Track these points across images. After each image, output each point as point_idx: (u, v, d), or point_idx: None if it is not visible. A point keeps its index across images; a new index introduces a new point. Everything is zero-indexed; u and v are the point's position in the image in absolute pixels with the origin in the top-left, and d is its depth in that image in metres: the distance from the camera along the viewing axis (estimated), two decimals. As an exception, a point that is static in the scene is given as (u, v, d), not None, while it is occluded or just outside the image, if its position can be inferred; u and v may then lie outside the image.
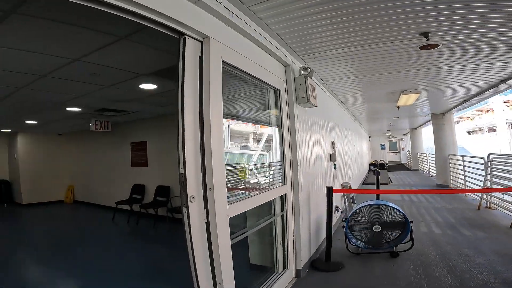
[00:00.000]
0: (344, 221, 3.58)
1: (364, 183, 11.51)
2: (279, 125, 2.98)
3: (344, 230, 3.56)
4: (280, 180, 2.91)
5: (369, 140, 20.64)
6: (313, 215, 3.60)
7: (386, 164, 19.57)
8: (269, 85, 2.83)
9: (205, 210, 1.72)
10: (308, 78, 3.19)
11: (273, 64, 2.87)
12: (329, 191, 3.36)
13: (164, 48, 2.67)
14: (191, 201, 1.59)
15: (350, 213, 3.65)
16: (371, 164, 17.79)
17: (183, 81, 1.66)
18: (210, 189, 1.69)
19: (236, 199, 2.04)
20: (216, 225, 1.72)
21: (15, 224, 6.74)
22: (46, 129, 8.06)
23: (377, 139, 23.23)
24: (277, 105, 3.02)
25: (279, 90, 3.01)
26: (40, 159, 8.95)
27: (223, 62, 1.96)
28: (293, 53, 3.18)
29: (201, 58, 1.83)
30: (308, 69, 3.20)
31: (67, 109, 5.18)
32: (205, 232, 1.73)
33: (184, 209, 1.59)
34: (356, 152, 10.16)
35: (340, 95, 5.74)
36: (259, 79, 2.60)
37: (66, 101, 4.58)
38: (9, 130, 7.96)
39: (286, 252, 2.96)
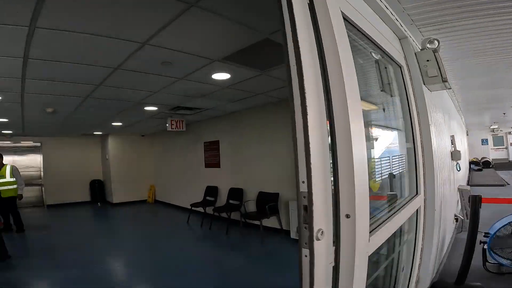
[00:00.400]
0: (485, 235, 2.94)
1: (469, 184, 9.32)
2: (406, 114, 2.08)
3: (485, 246, 2.92)
4: (410, 190, 2.01)
5: (467, 135, 17.24)
6: (441, 230, 2.68)
7: (492, 162, 16.02)
8: (392, 58, 1.97)
9: (334, 248, 1.00)
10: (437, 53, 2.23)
11: (387, 33, 2.01)
12: (477, 201, 2.38)
13: (240, 19, 2.08)
14: (318, 239, 0.88)
15: (497, 228, 2.90)
16: (471, 162, 14.77)
17: (296, 36, 0.97)
18: (347, 215, 0.96)
19: (376, 225, 1.27)
20: (354, 269, 0.99)
21: (110, 222, 7.24)
22: (130, 130, 8.56)
23: (477, 133, 19.35)
24: (400, 87, 2.13)
25: (401, 66, 2.12)
26: (126, 159, 9.59)
27: (343, 17, 1.23)
28: (409, 24, 2.28)
29: (311, 6, 1.11)
30: (436, 42, 2.24)
31: (145, 108, 5.14)
32: (330, 281, 1.01)
33: (306, 252, 0.89)
34: (459, 148, 8.22)
35: (459, 77, 4.39)
36: (381, 49, 1.78)
37: (142, 99, 4.46)
38: (101, 133, 8.74)
39: (409, 281, 2.12)
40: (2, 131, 7.24)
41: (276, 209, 5.17)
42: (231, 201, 6.13)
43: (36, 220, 7.00)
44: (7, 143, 8.54)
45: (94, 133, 8.62)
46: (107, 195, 9.77)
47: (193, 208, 6.49)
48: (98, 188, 9.75)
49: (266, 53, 2.92)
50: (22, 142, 8.79)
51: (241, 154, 6.14)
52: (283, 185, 5.25)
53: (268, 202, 5.15)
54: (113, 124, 6.86)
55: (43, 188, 9.07)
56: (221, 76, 3.55)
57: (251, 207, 5.69)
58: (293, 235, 4.83)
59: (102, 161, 10.06)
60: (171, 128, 6.13)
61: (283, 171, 5.25)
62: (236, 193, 6.06)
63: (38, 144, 9.03)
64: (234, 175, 6.30)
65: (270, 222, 5.32)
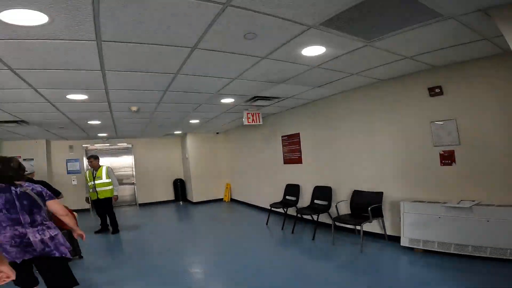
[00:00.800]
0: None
1: None
2: None
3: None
4: None
5: None
6: None
7: None
8: None
9: None
10: None
11: None
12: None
13: None
14: None
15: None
16: None
17: None
18: None
19: None
20: None
21: (192, 222, 7.29)
22: (206, 128, 8.57)
23: None
24: None
25: None
26: (204, 158, 9.71)
27: None
28: None
29: None
30: None
31: (221, 101, 4.79)
32: None
33: None
34: None
35: None
36: None
37: (219, 90, 4.07)
38: (180, 132, 9.00)
39: None
40: (98, 134, 7.98)
41: (379, 211, 4.20)
42: (316, 202, 5.36)
43: (130, 219, 7.49)
44: (104, 146, 9.53)
45: (175, 132, 8.91)
46: (188, 194, 10.06)
47: (272, 208, 5.96)
48: (180, 187, 10.12)
49: (384, 12, 2.14)
50: (118, 144, 9.67)
51: (328, 148, 5.31)
52: (387, 182, 4.25)
53: (367, 203, 4.21)
54: (191, 121, 6.83)
55: (135, 188, 9.86)
56: (314, 51, 2.85)
57: (343, 208, 4.82)
58: (405, 242, 3.80)
59: (183, 160, 10.44)
60: (248, 122, 5.69)
61: (386, 166, 4.25)
62: (323, 192, 5.27)
63: (130, 145, 9.83)
64: (319, 172, 5.52)
65: (369, 226, 4.39)
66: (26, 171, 2.49)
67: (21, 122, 5.19)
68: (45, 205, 2.23)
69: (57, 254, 2.10)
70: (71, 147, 9.04)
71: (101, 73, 2.95)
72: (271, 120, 6.81)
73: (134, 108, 4.63)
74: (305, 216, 5.36)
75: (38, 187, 2.24)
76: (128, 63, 2.75)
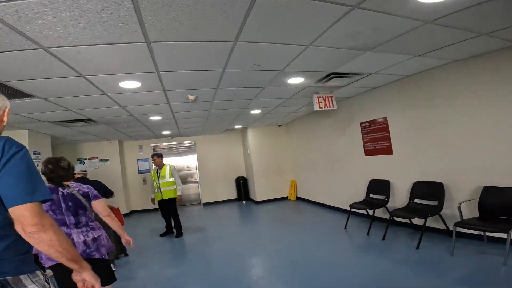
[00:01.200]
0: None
1: None
2: None
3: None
4: None
5: None
6: None
7: None
8: None
9: None
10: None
11: None
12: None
13: None
14: None
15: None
16: None
17: None
18: None
19: None
20: None
21: (257, 224, 6.69)
22: (268, 120, 7.88)
23: None
24: None
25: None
26: (266, 153, 9.04)
27: None
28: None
29: None
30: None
31: (288, 81, 3.96)
32: None
33: None
34: None
35: None
36: None
37: (287, 65, 3.26)
38: (241, 126, 8.49)
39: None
40: (163, 132, 7.97)
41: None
42: (418, 201, 4.14)
43: (194, 220, 7.23)
44: (170, 144, 9.64)
45: (235, 127, 8.44)
46: (251, 192, 9.54)
47: (352, 209, 4.91)
48: (243, 185, 9.67)
49: None
50: (182, 142, 9.69)
51: (432, 133, 4.06)
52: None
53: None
54: (252, 112, 6.18)
55: (199, 186, 9.75)
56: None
57: (465, 210, 3.53)
58: None
59: (244, 156, 9.98)
60: (319, 107, 4.76)
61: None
62: (429, 190, 4.04)
63: (193, 143, 9.76)
64: (420, 164, 4.29)
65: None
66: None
67: (89, 121, 5.22)
68: (90, 205, 2.18)
69: (97, 256, 2.05)
70: (140, 146, 9.34)
71: (146, 47, 2.41)
72: (346, 105, 5.71)
73: (191, 97, 4.15)
74: (397, 219, 4.20)
75: (86, 188, 2.19)
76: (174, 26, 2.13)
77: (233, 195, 9.88)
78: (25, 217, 0.95)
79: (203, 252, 4.45)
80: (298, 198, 8.76)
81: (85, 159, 8.56)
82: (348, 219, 5.11)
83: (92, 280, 1.18)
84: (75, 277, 1.17)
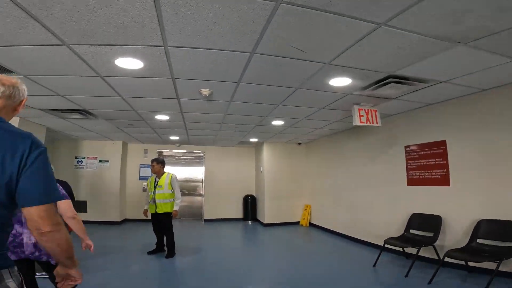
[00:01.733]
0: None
1: None
2: None
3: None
4: None
5: None
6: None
7: None
8: None
9: None
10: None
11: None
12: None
13: None
14: None
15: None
16: None
17: None
18: None
19: None
20: None
21: (266, 250, 5.67)
22: (289, 135, 7.03)
23: None
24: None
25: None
26: (281, 173, 8.16)
27: None
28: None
29: None
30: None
31: (329, 83, 3.13)
32: None
33: None
34: None
35: None
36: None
37: (335, 58, 2.44)
38: (256, 140, 7.64)
39: None
40: (171, 137, 7.21)
41: None
42: (483, 242, 3.14)
43: (192, 238, 6.23)
44: (177, 152, 8.85)
45: (251, 140, 7.59)
46: (259, 213, 8.58)
47: (386, 245, 3.92)
48: (251, 205, 8.72)
49: None
50: (191, 150, 8.91)
51: (509, 163, 3.09)
52: None
53: None
54: (273, 123, 5.34)
55: (203, 200, 8.86)
56: None
57: None
58: None
59: (256, 174, 9.08)
60: (360, 122, 3.87)
61: None
62: (499, 229, 3.03)
63: (202, 153, 8.97)
64: (490, 199, 3.29)
65: None
66: None
67: (85, 113, 4.49)
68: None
69: (44, 259, 1.91)
70: (145, 151, 8.60)
71: (153, 3, 1.64)
72: (387, 124, 4.78)
73: (205, 92, 3.35)
74: (448, 259, 3.23)
75: None
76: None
77: (239, 214, 8.95)
78: (42, 218, 0.97)
79: (192, 280, 3.48)
80: (311, 225, 7.80)
81: (84, 158, 7.85)
82: (379, 256, 4.11)
83: (77, 276, 1.16)
84: (60, 271, 1.14)
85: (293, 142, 8.06)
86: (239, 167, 9.11)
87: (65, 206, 2.02)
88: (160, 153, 8.67)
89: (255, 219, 8.66)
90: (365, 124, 3.90)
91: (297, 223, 8.12)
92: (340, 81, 3.09)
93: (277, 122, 5.29)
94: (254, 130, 6.07)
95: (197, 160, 9.21)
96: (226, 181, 8.89)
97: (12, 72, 2.74)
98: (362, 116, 3.89)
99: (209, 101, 3.83)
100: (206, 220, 8.58)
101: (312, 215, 7.83)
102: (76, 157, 7.81)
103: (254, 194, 8.94)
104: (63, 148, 7.69)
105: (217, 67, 2.73)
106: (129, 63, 2.56)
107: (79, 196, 7.28)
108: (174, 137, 7.20)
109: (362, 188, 5.59)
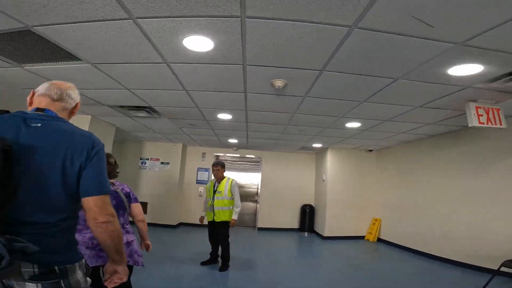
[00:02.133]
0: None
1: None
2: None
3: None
4: None
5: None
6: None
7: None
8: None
9: None
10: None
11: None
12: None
13: None
14: None
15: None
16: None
17: None
18: None
19: None
20: None
21: (326, 266, 4.88)
22: (359, 141, 6.17)
23: None
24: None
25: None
26: (347, 183, 7.31)
27: None
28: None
29: None
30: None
31: (449, 71, 2.33)
32: None
33: None
34: None
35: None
36: None
37: (475, 36, 1.69)
38: (320, 145, 6.90)
39: None
40: (229, 140, 6.91)
41: None
42: None
43: (245, 248, 5.72)
44: (234, 156, 8.58)
45: (314, 145, 6.89)
46: (317, 225, 7.80)
47: (502, 268, 2.90)
48: (308, 215, 7.98)
49: None
50: (247, 155, 8.57)
51: None
52: None
53: None
54: (347, 125, 4.59)
55: (257, 207, 8.38)
56: None
57: None
58: None
59: (316, 182, 8.31)
60: (479, 123, 2.96)
61: None
62: None
63: (259, 159, 8.55)
64: None
65: None
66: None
67: (150, 111, 4.38)
68: (129, 207, 2.12)
69: (130, 262, 1.87)
70: (203, 154, 8.51)
71: None
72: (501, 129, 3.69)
73: (279, 83, 2.83)
74: None
75: (127, 188, 2.17)
76: None
77: (294, 224, 8.29)
78: (99, 207, 1.04)
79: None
80: (379, 240, 6.84)
81: (147, 159, 8.05)
82: (489, 282, 3.16)
83: (123, 273, 1.19)
84: (109, 268, 1.18)
85: (361, 148, 7.13)
86: (297, 174, 8.48)
87: (138, 209, 2.16)
88: (217, 157, 8.49)
89: (312, 230, 7.93)
90: (484, 125, 2.96)
91: (362, 237, 7.22)
92: (467, 69, 2.27)
93: (352, 125, 4.53)
94: (322, 133, 5.38)
95: (253, 166, 8.81)
96: (283, 189, 8.34)
97: (79, 59, 2.58)
98: (481, 115, 2.95)
99: (279, 96, 3.31)
100: (260, 229, 8.10)
101: (382, 229, 6.88)
102: (140, 158, 8.04)
103: (312, 203, 8.20)
104: (130, 149, 7.99)
105: (299, 49, 2.18)
106: (199, 43, 2.16)
107: (141, 197, 7.42)
108: (233, 140, 6.90)
109: (453, 202, 4.69)
